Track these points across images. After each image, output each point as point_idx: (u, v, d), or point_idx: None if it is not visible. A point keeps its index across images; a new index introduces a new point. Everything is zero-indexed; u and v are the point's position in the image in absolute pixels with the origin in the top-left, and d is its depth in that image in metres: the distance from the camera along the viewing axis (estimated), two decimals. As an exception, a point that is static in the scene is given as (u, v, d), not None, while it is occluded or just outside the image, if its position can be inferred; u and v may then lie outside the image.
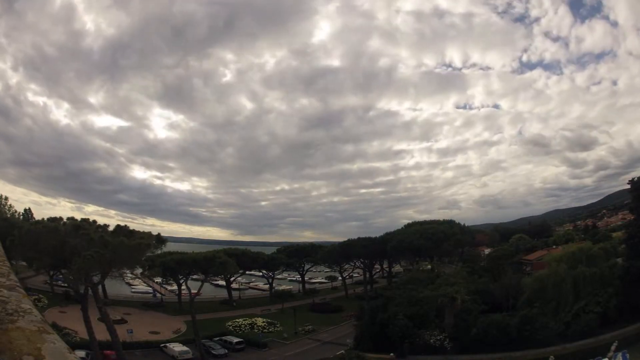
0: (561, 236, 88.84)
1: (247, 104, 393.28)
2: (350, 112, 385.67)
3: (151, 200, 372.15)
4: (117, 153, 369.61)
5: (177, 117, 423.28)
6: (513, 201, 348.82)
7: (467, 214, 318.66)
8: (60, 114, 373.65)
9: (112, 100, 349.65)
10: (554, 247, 68.91)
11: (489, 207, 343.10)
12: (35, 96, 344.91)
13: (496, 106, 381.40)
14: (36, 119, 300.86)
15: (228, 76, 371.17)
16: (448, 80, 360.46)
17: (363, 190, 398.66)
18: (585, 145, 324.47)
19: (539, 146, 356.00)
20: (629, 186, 45.44)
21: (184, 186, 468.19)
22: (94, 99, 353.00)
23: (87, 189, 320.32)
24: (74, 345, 30.10)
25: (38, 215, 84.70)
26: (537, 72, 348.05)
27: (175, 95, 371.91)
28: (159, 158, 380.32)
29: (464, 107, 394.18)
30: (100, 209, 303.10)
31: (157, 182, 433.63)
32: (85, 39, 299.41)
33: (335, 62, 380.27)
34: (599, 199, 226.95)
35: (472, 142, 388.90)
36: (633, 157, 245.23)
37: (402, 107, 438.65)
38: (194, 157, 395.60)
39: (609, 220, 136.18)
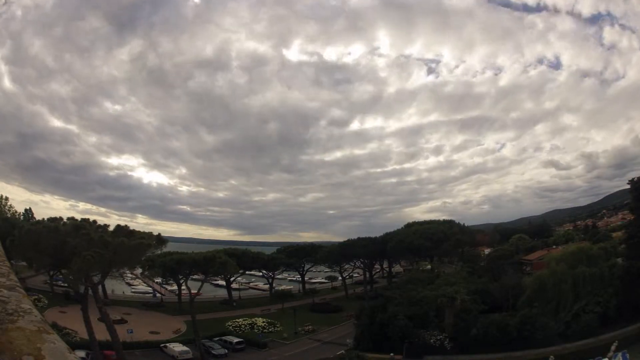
0: (561, 236, 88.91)
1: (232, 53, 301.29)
2: (368, 61, 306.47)
3: (137, 195, 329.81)
4: (84, 134, 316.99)
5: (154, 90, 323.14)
6: (511, 201, 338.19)
7: (467, 213, 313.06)
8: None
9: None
10: (554, 247, 69.02)
11: (489, 207, 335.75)
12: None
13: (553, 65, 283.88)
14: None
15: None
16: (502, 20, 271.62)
17: (369, 183, 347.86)
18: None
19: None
20: (628, 186, 45.49)
21: (168, 179, 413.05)
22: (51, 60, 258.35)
23: (68, 181, 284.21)
24: (74, 345, 30.08)
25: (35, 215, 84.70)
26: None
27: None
28: (136, 142, 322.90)
29: (515, 60, 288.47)
30: (94, 207, 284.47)
31: (141, 174, 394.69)
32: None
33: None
34: (598, 198, 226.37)
35: (513, 116, 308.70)
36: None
37: (438, 53, 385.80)
38: (176, 142, 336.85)
39: (609, 220, 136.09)
